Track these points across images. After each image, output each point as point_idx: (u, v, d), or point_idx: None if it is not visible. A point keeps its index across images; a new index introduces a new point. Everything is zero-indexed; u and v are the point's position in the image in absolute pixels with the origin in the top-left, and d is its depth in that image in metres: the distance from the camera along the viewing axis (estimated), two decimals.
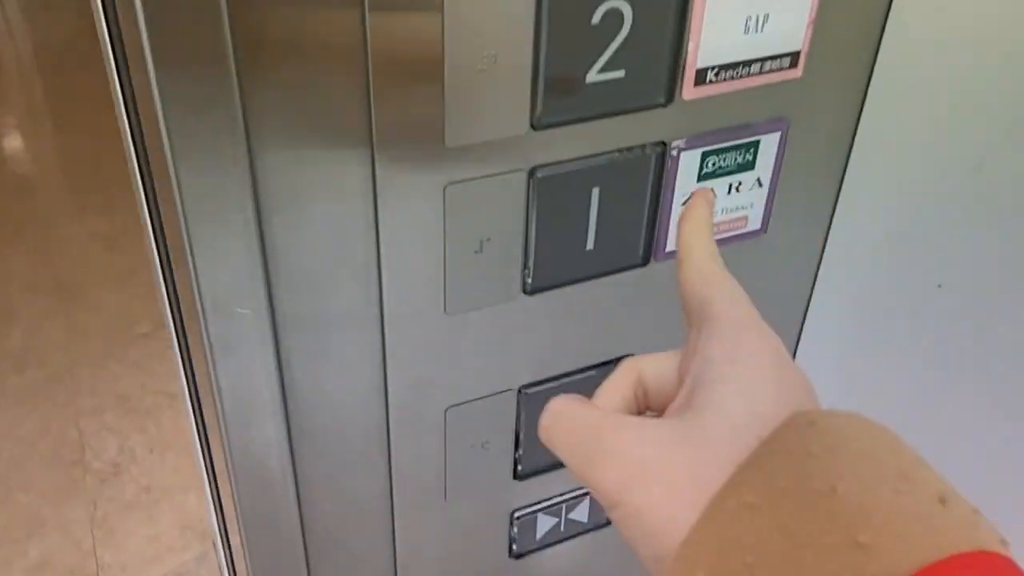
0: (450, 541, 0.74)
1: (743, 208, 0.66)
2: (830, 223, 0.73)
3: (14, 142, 3.38)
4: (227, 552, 0.83)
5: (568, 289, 0.64)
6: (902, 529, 0.29)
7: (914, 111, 0.67)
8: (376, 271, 0.57)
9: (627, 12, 0.53)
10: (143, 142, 0.55)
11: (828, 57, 0.62)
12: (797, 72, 0.61)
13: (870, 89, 0.66)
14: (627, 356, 0.46)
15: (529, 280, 0.63)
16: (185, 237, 0.49)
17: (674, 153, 0.61)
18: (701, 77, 0.58)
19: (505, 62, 0.52)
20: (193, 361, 0.66)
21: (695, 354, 0.38)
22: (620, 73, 0.55)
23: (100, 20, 0.52)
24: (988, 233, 0.75)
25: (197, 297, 0.51)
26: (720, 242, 0.67)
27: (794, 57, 0.60)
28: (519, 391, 0.68)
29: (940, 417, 0.78)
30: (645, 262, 0.66)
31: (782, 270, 0.74)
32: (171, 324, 0.67)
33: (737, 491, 0.32)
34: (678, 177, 0.62)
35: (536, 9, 0.51)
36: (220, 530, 0.84)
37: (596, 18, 0.52)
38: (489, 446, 0.69)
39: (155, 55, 0.44)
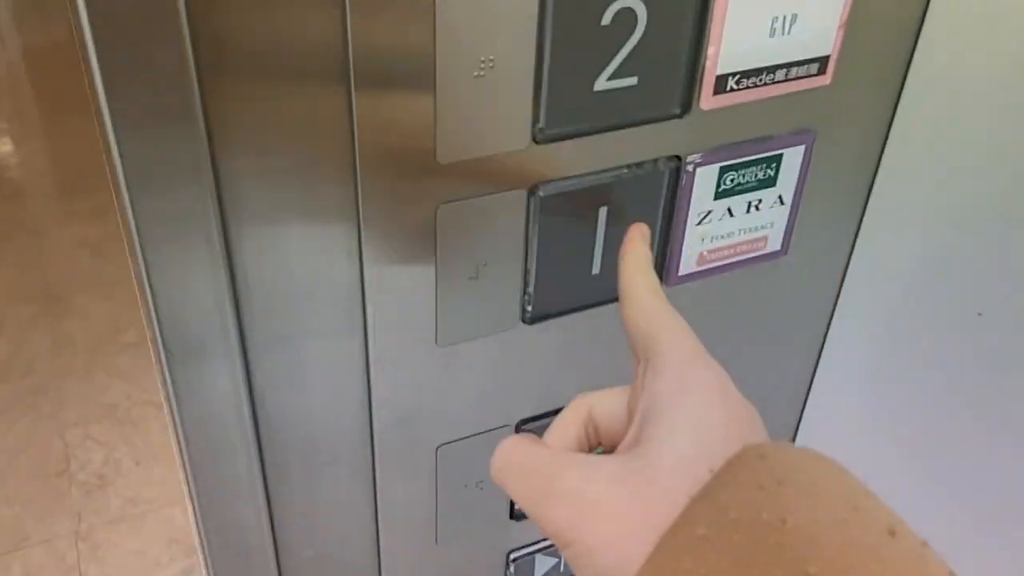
0: None
1: (763, 228, 0.61)
2: (853, 244, 0.67)
3: (2, 147, 3.32)
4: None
5: (571, 317, 0.59)
6: (851, 561, 0.30)
7: (949, 122, 0.62)
8: (360, 299, 0.52)
9: (641, 12, 0.47)
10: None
11: (859, 63, 0.56)
12: (825, 79, 0.55)
13: (902, 98, 0.60)
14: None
15: (529, 308, 0.57)
16: (140, 258, 0.43)
17: (690, 168, 0.55)
18: (721, 85, 0.52)
19: (504, 67, 0.46)
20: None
21: (643, 390, 0.38)
22: (632, 80, 0.50)
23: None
24: None
25: (157, 330, 0.45)
26: (737, 264, 0.62)
27: (823, 63, 0.54)
28: (517, 427, 0.63)
29: (970, 447, 0.72)
30: None
31: (801, 294, 0.68)
32: (150, 337, 0.61)
33: (688, 524, 0.33)
34: (694, 194, 0.56)
35: (539, 8, 0.45)
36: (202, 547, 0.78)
37: (606, 18, 0.47)
38: (484, 485, 0.64)
39: (102, 65, 0.38)
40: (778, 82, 0.53)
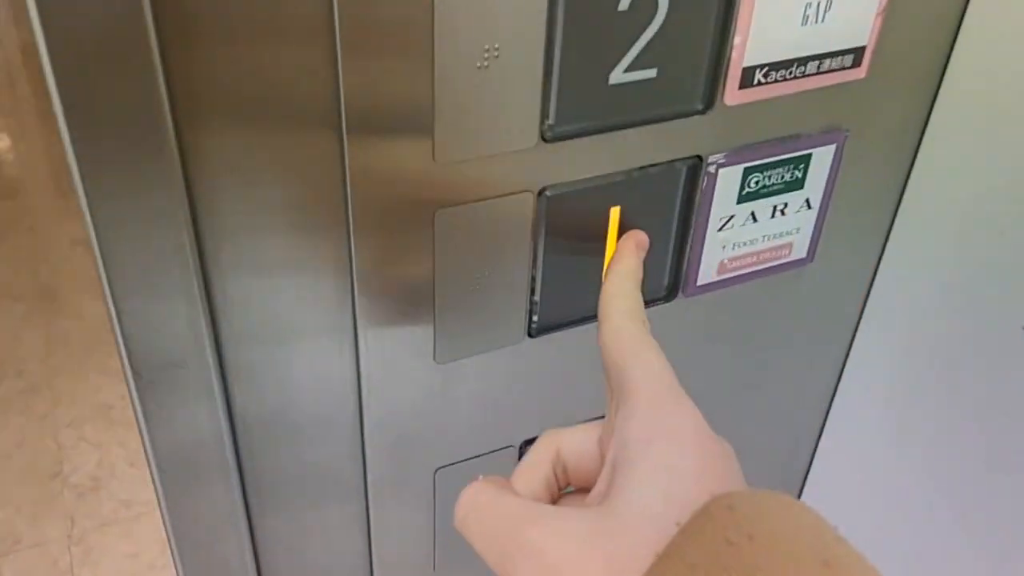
0: None
1: (788, 234, 0.56)
2: (882, 251, 0.63)
3: None
4: None
5: (579, 330, 0.54)
6: None
7: (989, 121, 0.57)
8: (350, 313, 0.47)
9: None
10: None
11: (896, 56, 0.52)
12: (860, 72, 0.50)
13: (939, 94, 0.56)
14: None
15: (534, 320, 0.52)
16: (102, 268, 0.39)
17: (712, 169, 0.50)
18: (748, 78, 0.47)
19: (510, 57, 0.41)
20: None
21: (613, 434, 0.37)
22: (650, 73, 0.45)
23: None
24: None
25: (123, 349, 0.41)
26: (759, 273, 0.57)
27: (858, 54, 0.50)
28: (521, 448, 0.58)
29: (1001, 477, 0.67)
30: (671, 297, 0.56)
31: (826, 305, 0.63)
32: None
33: None
34: (715, 198, 0.52)
35: None
36: None
37: (623, 4, 0.42)
38: None
39: (66, 109, 0.34)
40: (809, 75, 0.49)
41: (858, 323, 0.67)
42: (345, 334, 0.48)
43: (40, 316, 2.50)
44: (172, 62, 0.37)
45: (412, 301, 0.48)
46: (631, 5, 0.42)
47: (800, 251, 0.57)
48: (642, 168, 0.49)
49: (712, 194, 0.51)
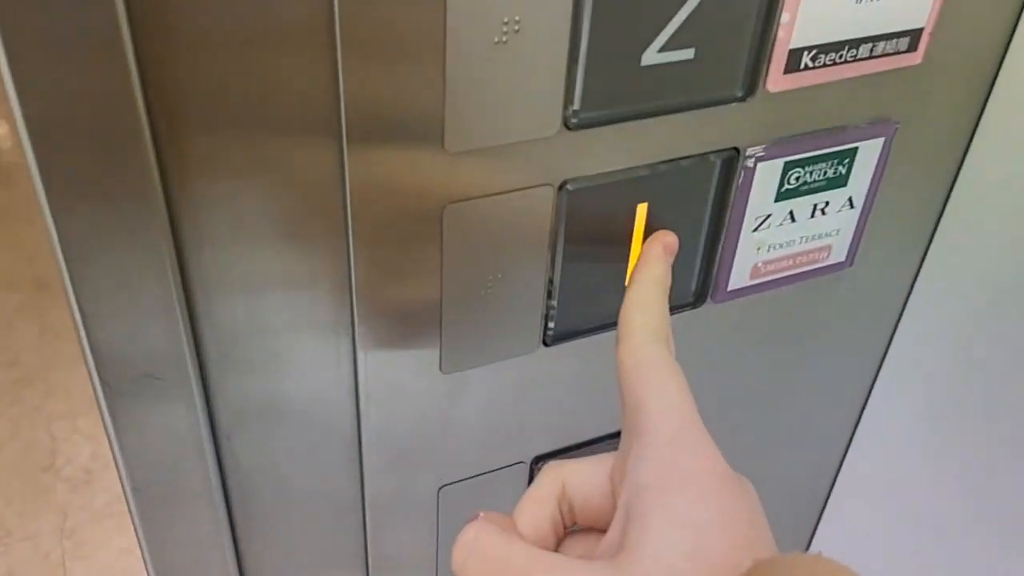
0: None
1: (828, 235, 0.51)
2: (924, 254, 0.58)
3: None
4: None
5: (598, 339, 0.49)
6: None
7: None
8: (348, 318, 0.42)
9: None
10: None
11: (954, 41, 0.47)
12: (915, 57, 0.46)
13: (996, 86, 0.51)
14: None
15: (550, 327, 0.47)
16: (64, 266, 0.34)
17: (750, 163, 0.45)
18: (794, 61, 0.42)
19: (532, 32, 0.36)
20: None
21: (626, 475, 0.35)
22: (687, 53, 0.40)
23: None
24: None
25: (89, 356, 0.36)
26: (794, 278, 0.52)
27: (914, 38, 0.45)
28: (532, 464, 0.53)
29: None
30: (698, 303, 0.51)
31: (863, 311, 0.59)
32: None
33: None
34: (752, 195, 0.47)
35: None
36: None
37: None
38: None
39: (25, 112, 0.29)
40: (861, 59, 0.44)
41: (894, 333, 0.62)
42: (342, 341, 0.43)
43: (35, 306, 2.46)
44: (148, 60, 0.32)
45: (416, 306, 0.43)
46: None
47: (839, 254, 0.53)
48: (673, 161, 0.44)
49: (749, 190, 0.47)
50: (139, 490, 0.41)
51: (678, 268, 0.47)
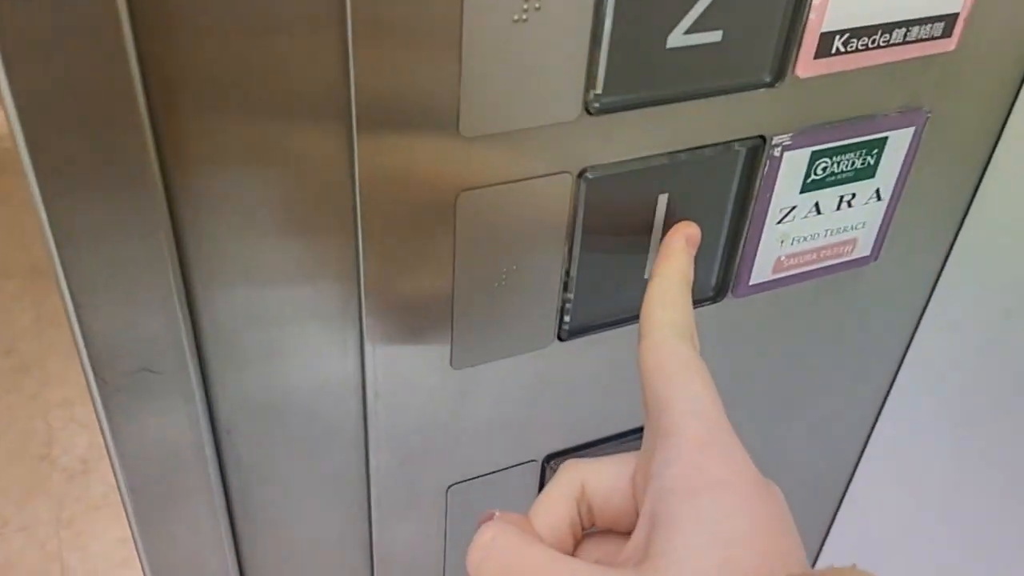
0: None
1: (853, 228, 0.49)
2: (950, 249, 0.56)
3: None
4: None
5: (615, 333, 0.47)
6: None
7: None
8: (356, 310, 0.40)
9: None
10: None
11: (990, 28, 0.45)
12: (949, 43, 0.44)
13: None
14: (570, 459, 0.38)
15: (566, 321, 0.46)
16: (55, 254, 0.32)
17: (776, 152, 0.44)
18: (825, 45, 0.40)
19: (553, 12, 0.35)
20: None
21: (651, 479, 0.33)
22: (715, 36, 0.38)
23: None
24: None
25: (83, 349, 0.34)
26: (817, 272, 0.50)
27: (949, 23, 0.43)
28: (545, 462, 0.51)
29: None
30: (718, 297, 0.49)
31: (885, 307, 0.57)
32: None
33: None
34: (777, 185, 0.45)
35: None
36: None
37: None
38: None
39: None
40: (894, 45, 0.42)
41: (915, 329, 0.60)
42: (349, 334, 0.41)
43: (31, 294, 2.45)
44: (147, 42, 0.30)
45: (427, 298, 0.42)
46: None
47: (864, 248, 0.51)
48: (696, 149, 0.42)
49: (774, 181, 0.45)
50: (135, 489, 0.39)
51: (698, 261, 0.45)
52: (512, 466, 0.50)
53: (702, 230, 0.43)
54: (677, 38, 0.37)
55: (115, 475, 0.39)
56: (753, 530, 0.31)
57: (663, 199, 0.43)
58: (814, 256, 0.49)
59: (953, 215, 0.54)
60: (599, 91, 0.38)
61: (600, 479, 0.37)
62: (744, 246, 0.47)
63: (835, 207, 0.48)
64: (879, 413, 0.65)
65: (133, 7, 0.29)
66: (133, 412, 0.37)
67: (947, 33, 0.43)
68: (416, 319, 0.42)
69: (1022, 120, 0.50)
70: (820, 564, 0.74)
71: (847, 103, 0.44)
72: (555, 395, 0.49)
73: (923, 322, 0.60)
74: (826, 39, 0.40)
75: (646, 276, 0.45)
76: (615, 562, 0.35)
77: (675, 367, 0.36)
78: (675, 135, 0.41)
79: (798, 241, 0.48)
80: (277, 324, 0.40)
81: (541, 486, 0.52)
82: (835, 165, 0.46)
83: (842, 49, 0.41)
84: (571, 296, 0.45)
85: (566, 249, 0.43)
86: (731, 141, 0.43)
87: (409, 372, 0.43)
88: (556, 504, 0.37)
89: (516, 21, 0.34)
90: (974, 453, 0.65)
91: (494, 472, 0.50)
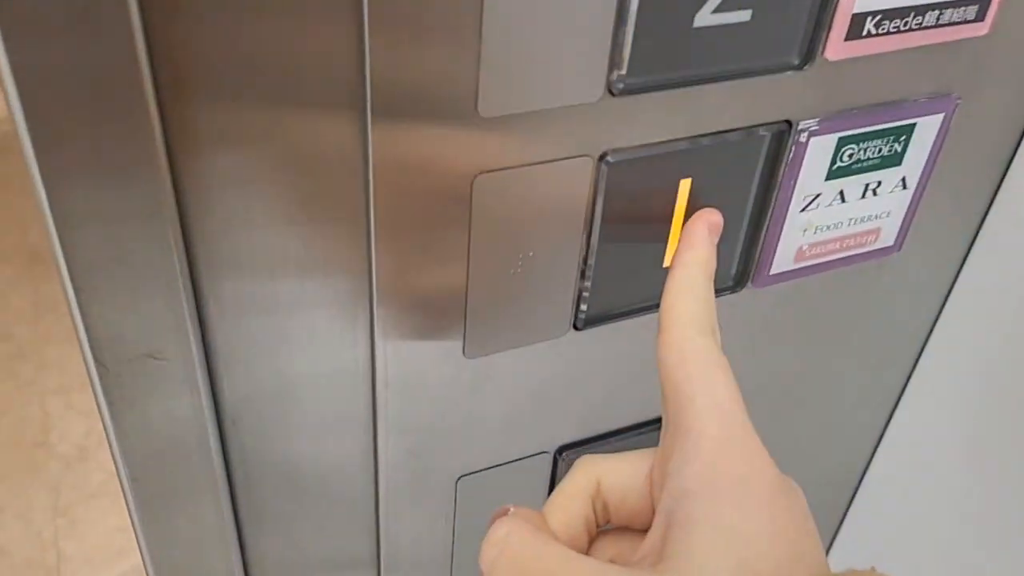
0: None
1: (877, 218, 0.48)
2: (973, 240, 0.55)
3: None
4: None
5: (632, 323, 0.46)
6: None
7: None
8: (367, 296, 0.39)
9: None
10: None
11: (1023, 12, 0.43)
12: (982, 27, 0.42)
13: None
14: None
15: (583, 310, 0.44)
16: (55, 233, 0.31)
17: (802, 138, 0.42)
18: (857, 27, 0.39)
19: None
20: None
21: (668, 477, 0.33)
22: (744, 15, 0.37)
23: None
24: None
25: (83, 335, 0.33)
26: (839, 262, 0.49)
27: (982, 6, 0.41)
28: (556, 454, 0.50)
29: None
30: (738, 287, 0.48)
31: (906, 299, 0.55)
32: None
33: None
34: (803, 172, 0.43)
35: None
36: None
37: None
38: None
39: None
40: (926, 27, 0.41)
41: (935, 322, 0.59)
42: (359, 323, 0.40)
43: (29, 279, 2.43)
44: (155, 21, 0.29)
45: (440, 286, 0.40)
46: None
47: (888, 238, 0.49)
48: (720, 133, 0.41)
49: (799, 167, 0.43)
50: (137, 479, 0.38)
51: (719, 250, 0.43)
52: (523, 458, 0.49)
53: (724, 218, 0.42)
54: (705, 17, 0.36)
55: (115, 464, 0.37)
56: (772, 531, 0.31)
57: (685, 185, 0.42)
58: (837, 246, 0.48)
59: (978, 205, 0.52)
60: (624, 71, 0.36)
61: (616, 476, 0.36)
62: (766, 235, 0.45)
63: (860, 195, 0.46)
64: (896, 405, 0.63)
65: None
66: (135, 399, 0.36)
67: (980, 17, 0.42)
68: (429, 307, 0.41)
69: None
70: (832, 555, 0.73)
71: (876, 88, 0.43)
72: (569, 385, 0.47)
73: (943, 314, 0.58)
74: (858, 20, 0.39)
75: (666, 265, 0.44)
76: (630, 561, 0.34)
77: (695, 363, 0.34)
78: (699, 119, 0.40)
79: (821, 230, 0.47)
80: (285, 312, 0.38)
81: (553, 478, 0.51)
82: (862, 152, 0.44)
83: (873, 31, 0.39)
84: (588, 284, 0.43)
85: (584, 235, 0.41)
86: (756, 126, 0.41)
87: (421, 361, 0.42)
88: (571, 501, 0.36)
89: None
90: (992, 447, 0.64)
91: (504, 464, 0.49)
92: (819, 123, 0.42)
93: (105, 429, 0.36)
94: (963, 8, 0.41)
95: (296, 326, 0.39)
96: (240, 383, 0.39)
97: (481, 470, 0.48)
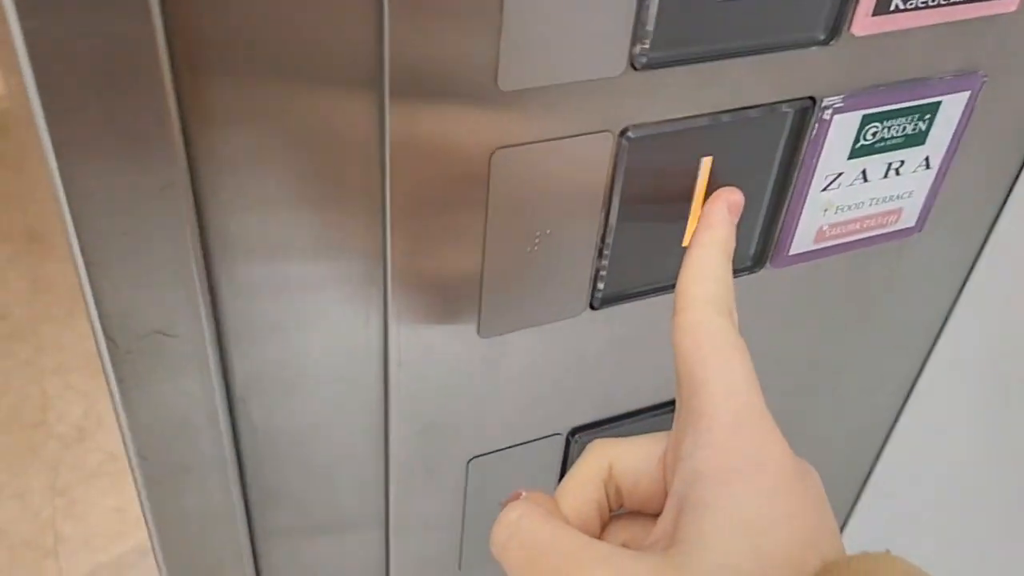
0: None
1: (899, 198, 0.47)
2: (994, 221, 0.54)
3: None
4: None
5: (649, 303, 0.45)
6: None
7: None
8: (381, 274, 0.38)
9: None
10: None
11: None
12: (1011, 4, 0.41)
13: None
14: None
15: (599, 289, 0.43)
16: (67, 214, 0.30)
17: (826, 115, 0.41)
18: (884, 2, 0.38)
19: None
20: None
21: (681, 460, 0.32)
22: None
23: None
24: None
25: (95, 314, 0.32)
26: (859, 243, 0.48)
27: None
28: (569, 436, 0.49)
29: None
30: (757, 267, 0.47)
31: (925, 281, 0.55)
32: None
33: None
34: (825, 150, 0.42)
35: None
36: None
37: None
38: None
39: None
40: (954, 3, 0.40)
41: (954, 304, 0.58)
42: (372, 301, 0.39)
43: (27, 258, 2.42)
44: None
45: (455, 262, 0.39)
46: None
47: (909, 219, 0.48)
48: (742, 110, 0.40)
49: (822, 145, 0.42)
50: (146, 458, 0.37)
51: (738, 229, 0.42)
52: (536, 439, 0.48)
53: (744, 196, 0.41)
54: None
55: (124, 442, 0.37)
56: (786, 515, 0.30)
57: (706, 162, 0.41)
58: (858, 226, 0.47)
59: (1001, 186, 0.52)
60: (648, 45, 0.35)
61: (629, 460, 0.36)
62: (786, 214, 0.45)
63: (883, 175, 0.45)
64: (911, 388, 0.63)
65: None
66: (144, 377, 0.35)
67: None
68: (443, 285, 0.40)
69: None
70: (844, 539, 0.73)
71: (901, 65, 0.42)
72: (584, 366, 0.47)
73: (962, 298, 0.58)
74: None
75: (684, 244, 0.43)
76: (642, 545, 0.34)
77: (711, 345, 0.34)
78: (721, 94, 0.39)
79: (842, 210, 0.46)
80: (298, 289, 0.37)
81: (565, 461, 0.50)
82: (885, 130, 0.43)
83: (901, 6, 0.38)
84: (606, 263, 0.42)
85: (603, 213, 0.41)
86: (779, 102, 0.40)
87: (434, 340, 0.41)
88: (583, 485, 0.36)
89: None
90: (1008, 432, 0.63)
91: (516, 445, 0.48)
92: (843, 100, 0.41)
93: (114, 406, 0.35)
94: None
95: (308, 305, 0.38)
96: (250, 361, 0.38)
97: (493, 451, 0.48)
